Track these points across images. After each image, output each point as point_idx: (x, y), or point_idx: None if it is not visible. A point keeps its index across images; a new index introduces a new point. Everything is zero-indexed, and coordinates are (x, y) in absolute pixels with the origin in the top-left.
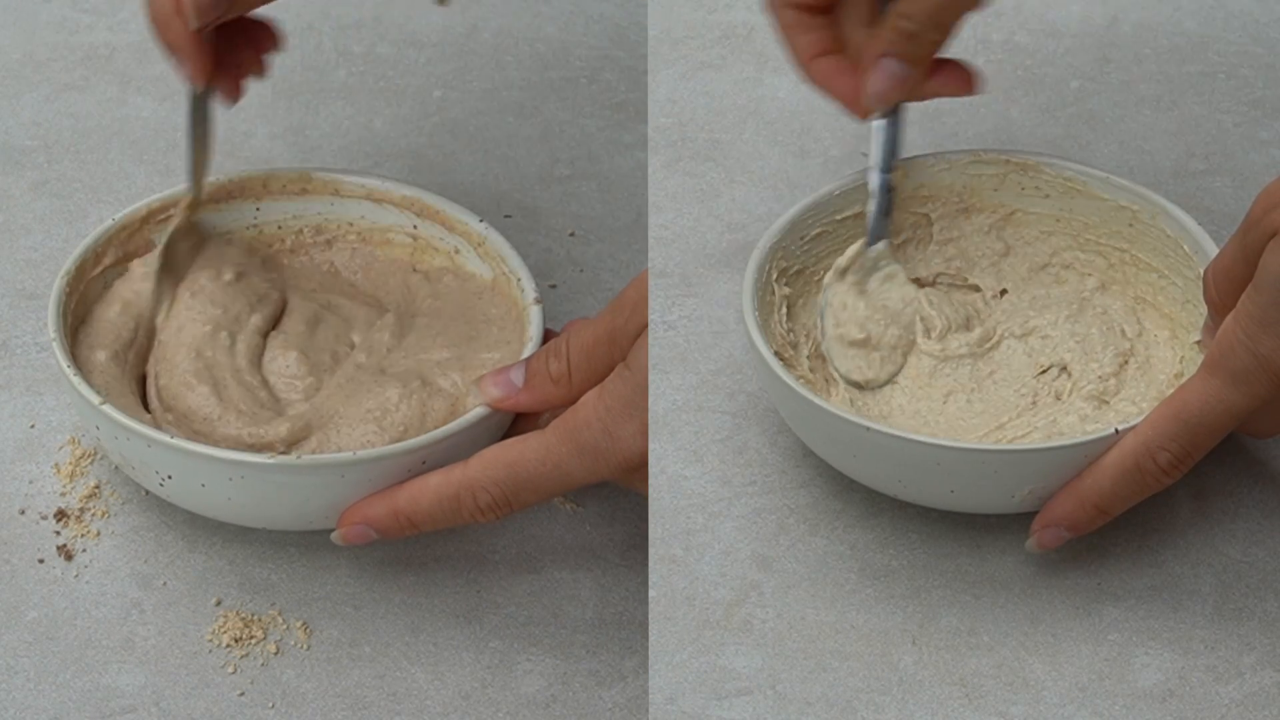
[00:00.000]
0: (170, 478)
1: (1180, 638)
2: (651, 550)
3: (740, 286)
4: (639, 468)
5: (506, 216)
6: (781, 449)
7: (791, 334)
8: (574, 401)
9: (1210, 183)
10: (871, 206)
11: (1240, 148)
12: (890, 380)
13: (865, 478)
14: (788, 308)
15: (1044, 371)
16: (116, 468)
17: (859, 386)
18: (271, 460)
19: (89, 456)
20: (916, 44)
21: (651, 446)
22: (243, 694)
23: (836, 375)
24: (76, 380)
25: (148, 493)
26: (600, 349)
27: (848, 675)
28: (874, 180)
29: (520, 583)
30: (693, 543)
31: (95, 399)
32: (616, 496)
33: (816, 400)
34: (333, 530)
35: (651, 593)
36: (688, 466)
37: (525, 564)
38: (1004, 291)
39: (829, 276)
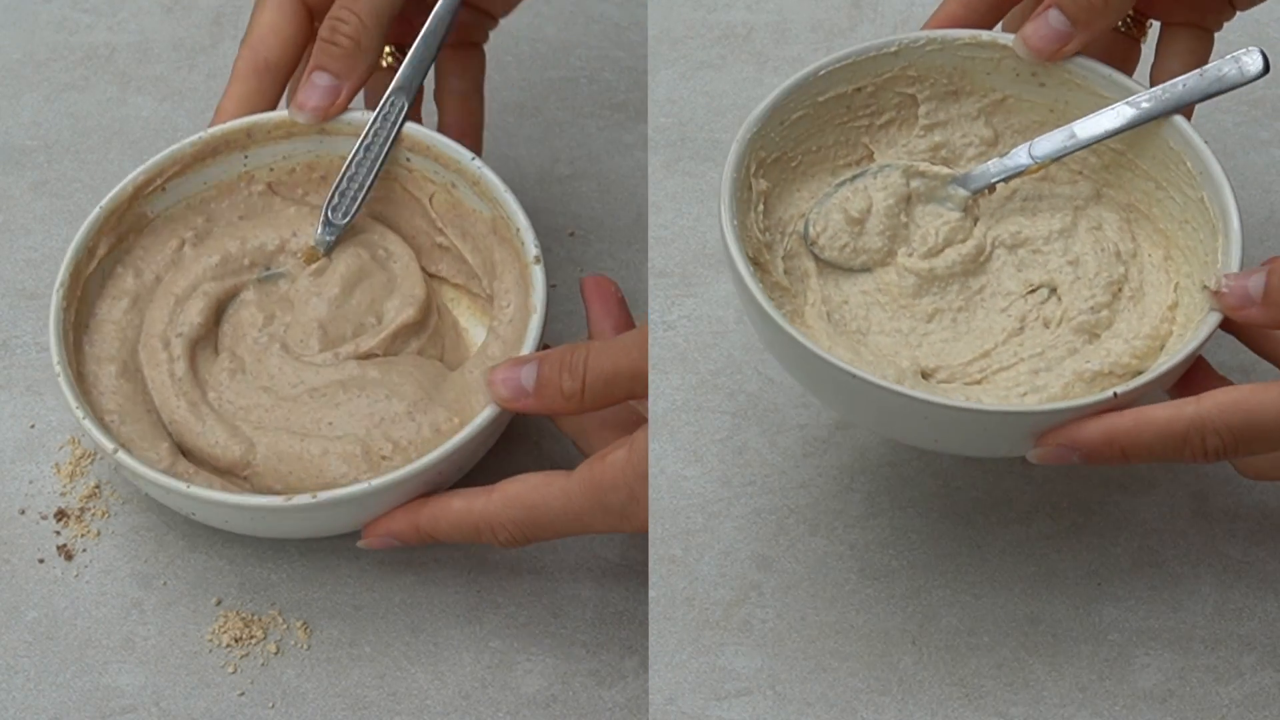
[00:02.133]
0: (194, 515)
1: (1180, 638)
2: (651, 550)
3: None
4: None
5: None
6: (781, 449)
7: (767, 233)
8: (579, 415)
9: None
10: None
11: (1240, 148)
12: (861, 269)
13: (845, 414)
14: (765, 204)
15: (1033, 291)
16: (117, 467)
17: (827, 263)
18: (289, 503)
19: (89, 456)
20: None
21: (651, 446)
22: (243, 694)
23: (807, 244)
24: (89, 425)
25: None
26: (621, 382)
27: (848, 675)
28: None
29: (520, 583)
30: (693, 543)
31: (109, 446)
32: None
33: (802, 340)
34: (349, 536)
35: (651, 593)
36: (688, 466)
37: (525, 564)
38: (992, 189)
39: (895, 160)
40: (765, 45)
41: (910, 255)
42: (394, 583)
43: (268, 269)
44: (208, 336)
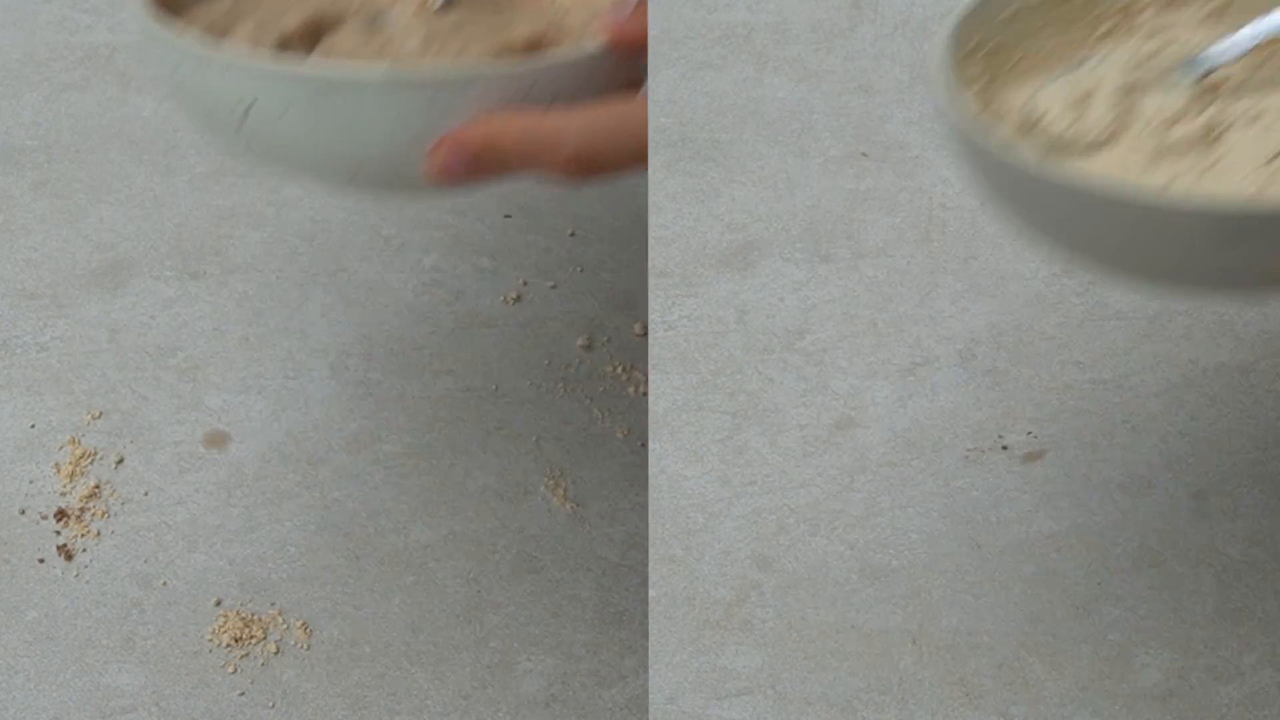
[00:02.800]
0: (251, 108)
1: (1180, 638)
2: (651, 550)
3: (743, 273)
4: None
5: (506, 216)
6: (781, 449)
7: (984, 113)
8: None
9: None
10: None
11: None
12: (1088, 149)
13: (1070, 242)
14: (981, 88)
15: (1275, 158)
16: (125, 458)
17: (1052, 145)
18: (360, 74)
19: (89, 456)
20: None
21: (651, 446)
22: (243, 694)
23: (1029, 128)
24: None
25: (147, 493)
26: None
27: (848, 675)
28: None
29: (520, 583)
30: (693, 543)
31: (173, 32)
32: (616, 496)
33: (973, 125)
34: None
35: (651, 593)
36: (688, 466)
37: (525, 564)
38: (1221, 78)
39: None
40: (765, 45)
41: (1140, 133)
42: (394, 583)
43: (375, 18)
44: (298, 45)
